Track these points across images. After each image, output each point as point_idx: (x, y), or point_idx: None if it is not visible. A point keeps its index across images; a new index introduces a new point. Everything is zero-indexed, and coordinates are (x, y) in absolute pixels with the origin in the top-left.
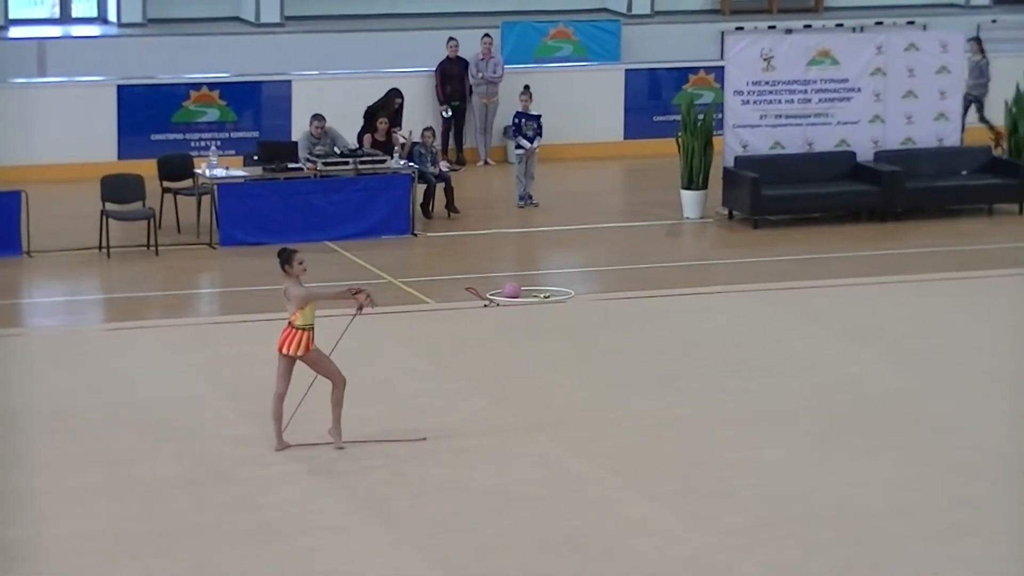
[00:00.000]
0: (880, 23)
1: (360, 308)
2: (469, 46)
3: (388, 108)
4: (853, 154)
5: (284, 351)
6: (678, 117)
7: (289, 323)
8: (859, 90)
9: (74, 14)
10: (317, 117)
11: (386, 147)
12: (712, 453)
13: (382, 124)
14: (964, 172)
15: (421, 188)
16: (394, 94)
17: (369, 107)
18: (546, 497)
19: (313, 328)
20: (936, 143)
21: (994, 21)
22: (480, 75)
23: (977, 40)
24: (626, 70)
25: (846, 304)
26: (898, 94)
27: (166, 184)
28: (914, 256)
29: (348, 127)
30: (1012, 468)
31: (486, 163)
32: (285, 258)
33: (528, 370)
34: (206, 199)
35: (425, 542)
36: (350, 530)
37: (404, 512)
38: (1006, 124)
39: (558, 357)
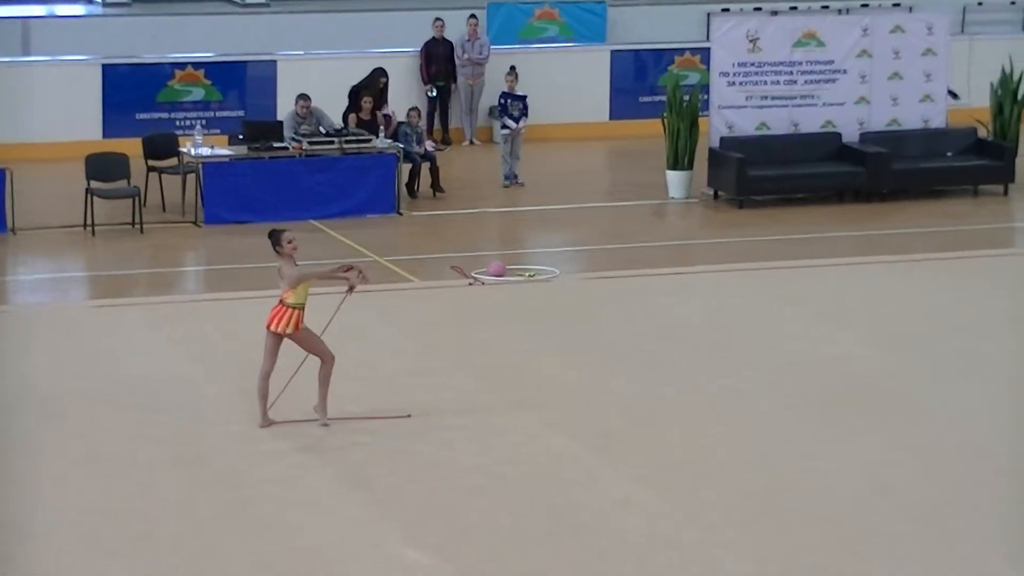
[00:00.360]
0: (866, 5)
1: (351, 289)
2: (455, 27)
3: (373, 87)
4: (839, 135)
5: (272, 328)
6: (664, 98)
7: (281, 301)
8: (845, 72)
9: None
10: (302, 97)
11: (371, 126)
12: (694, 432)
13: (366, 103)
14: (949, 153)
15: (406, 168)
16: (379, 73)
17: (354, 86)
18: (528, 475)
19: (304, 307)
20: (922, 124)
21: (980, 3)
22: (466, 56)
23: None
24: (612, 51)
25: (830, 285)
26: (884, 76)
27: (151, 163)
28: (899, 237)
29: (333, 107)
30: (994, 449)
31: (472, 143)
32: (275, 239)
33: (512, 349)
34: (191, 178)
35: (408, 520)
36: (334, 507)
37: (387, 490)
38: (991, 106)
39: (542, 336)
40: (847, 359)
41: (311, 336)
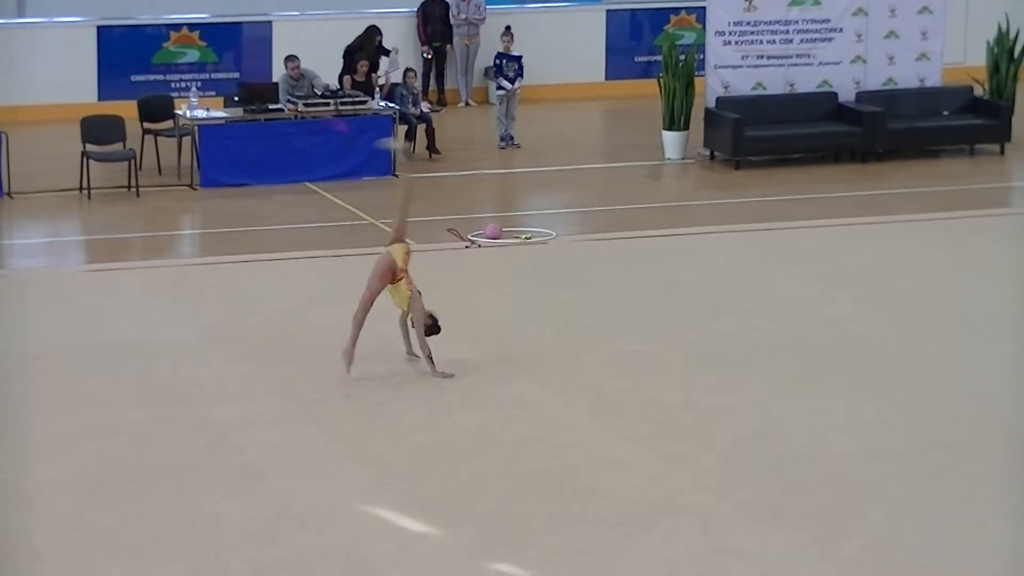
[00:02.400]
0: None
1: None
2: None
3: (368, 46)
4: (835, 95)
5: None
6: (659, 58)
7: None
8: (841, 30)
9: None
10: (291, 58)
11: (366, 88)
12: (690, 395)
13: (362, 67)
14: (945, 112)
15: (402, 129)
16: (373, 31)
17: (348, 46)
18: (525, 438)
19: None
20: (917, 83)
21: None
22: (462, 16)
23: None
24: (607, 11)
25: (826, 245)
26: (880, 34)
27: (147, 125)
28: (895, 197)
29: (329, 68)
30: (990, 410)
31: (467, 104)
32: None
33: (508, 311)
34: (187, 140)
35: (403, 484)
36: (328, 473)
37: (382, 454)
38: (987, 64)
39: (539, 298)
40: (844, 320)
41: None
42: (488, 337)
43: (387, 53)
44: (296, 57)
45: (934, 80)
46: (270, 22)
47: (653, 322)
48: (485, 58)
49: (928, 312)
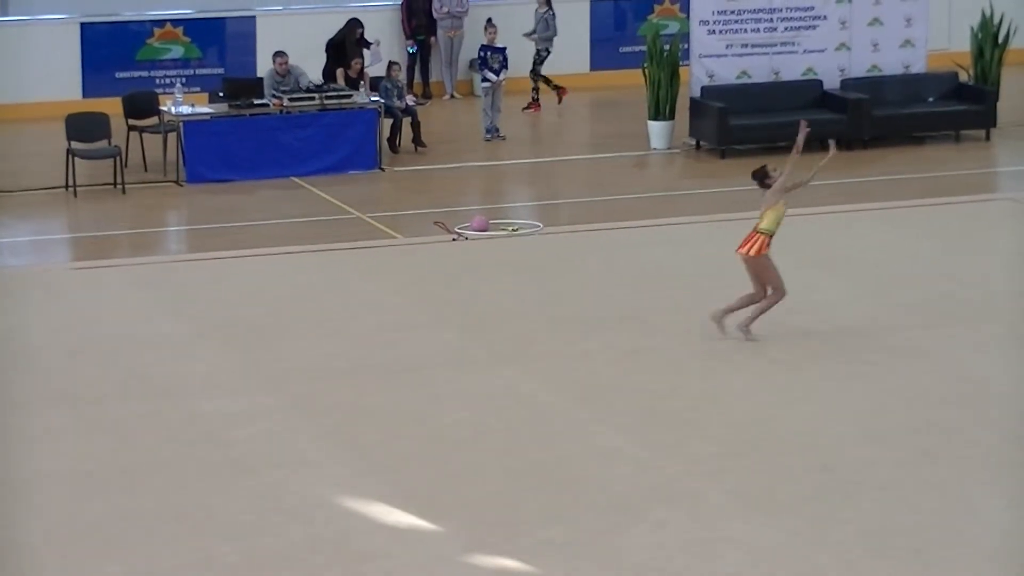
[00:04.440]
0: None
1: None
2: None
3: (350, 39)
4: (819, 82)
5: (741, 251)
6: (644, 48)
7: (755, 227)
8: (825, 18)
9: None
10: (280, 54)
11: (355, 83)
12: (680, 383)
13: (356, 64)
14: (930, 99)
15: (387, 123)
16: (354, 24)
17: (330, 40)
18: (514, 429)
19: (773, 235)
20: (902, 70)
21: None
22: (445, 9)
23: None
24: (591, 1)
25: (813, 232)
26: (864, 21)
27: (132, 122)
28: (881, 183)
29: (314, 63)
30: (981, 393)
31: (452, 97)
32: (761, 176)
33: (496, 303)
34: (172, 136)
35: (394, 475)
36: (319, 464)
37: (373, 445)
38: (972, 50)
39: (526, 290)
40: (834, 306)
41: (768, 266)
42: (477, 329)
43: (368, 45)
44: (284, 53)
45: (919, 66)
46: (254, 17)
47: (642, 311)
48: (469, 50)
49: (917, 297)
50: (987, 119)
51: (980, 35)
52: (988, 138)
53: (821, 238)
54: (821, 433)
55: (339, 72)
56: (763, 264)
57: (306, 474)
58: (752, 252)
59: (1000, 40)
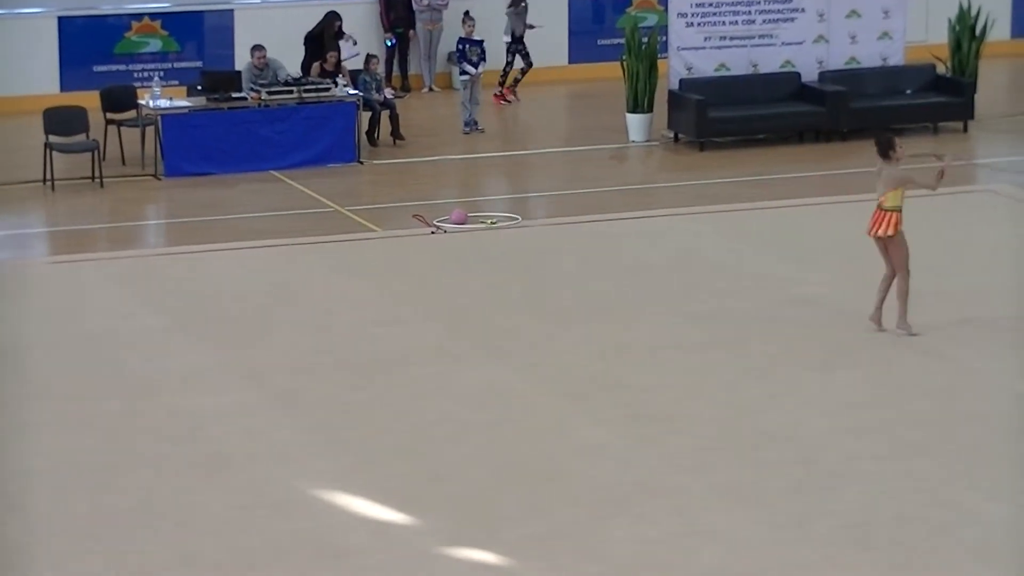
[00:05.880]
0: None
1: (942, 174)
2: None
3: (328, 32)
4: (798, 75)
5: (872, 234)
6: (622, 40)
7: (879, 205)
8: (803, 10)
9: None
10: (258, 48)
11: (334, 76)
12: (662, 376)
13: (331, 57)
14: (908, 91)
15: (366, 116)
16: (332, 17)
17: (309, 33)
18: (497, 423)
19: (901, 210)
20: (880, 62)
21: None
22: (424, 2)
23: None
24: None
25: (793, 225)
26: (842, 13)
27: (110, 116)
28: (860, 176)
29: (292, 55)
30: (964, 384)
31: (431, 90)
32: (887, 144)
33: (477, 296)
34: (150, 130)
35: (376, 470)
36: (300, 460)
37: (355, 440)
38: (949, 42)
39: (506, 283)
40: (815, 298)
41: (902, 244)
42: (458, 323)
43: (343, 36)
44: (263, 47)
45: (897, 59)
46: (232, 10)
47: (623, 304)
48: (448, 43)
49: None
50: (965, 111)
51: (958, 27)
52: (966, 130)
53: (801, 230)
54: (803, 426)
55: (314, 66)
56: (896, 242)
57: (287, 469)
58: (884, 231)
59: (977, 32)
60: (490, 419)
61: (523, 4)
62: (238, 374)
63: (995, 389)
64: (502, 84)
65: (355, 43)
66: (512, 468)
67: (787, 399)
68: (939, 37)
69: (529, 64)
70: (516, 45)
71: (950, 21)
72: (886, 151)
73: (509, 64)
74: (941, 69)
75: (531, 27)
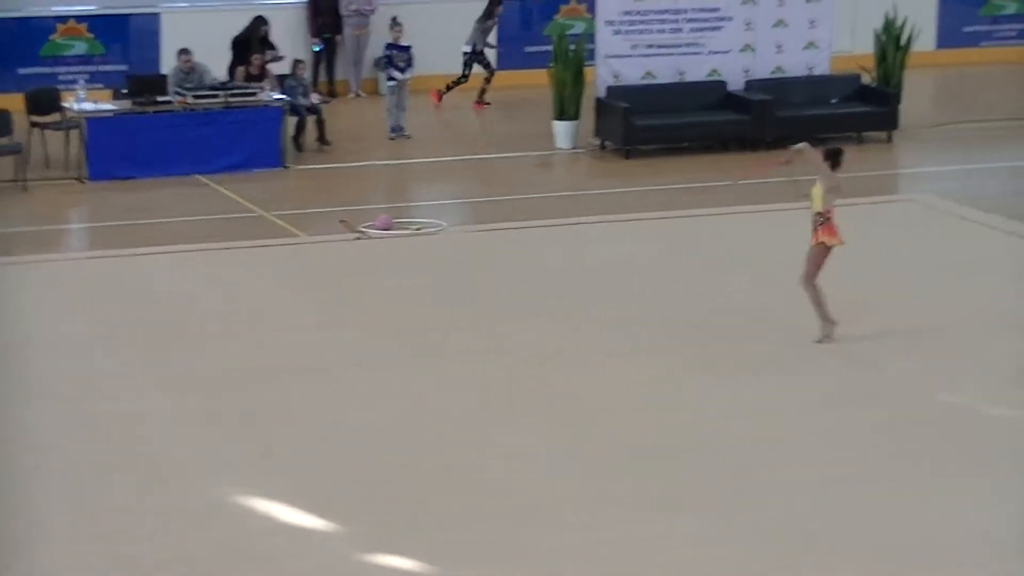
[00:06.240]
0: None
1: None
2: None
3: (255, 37)
4: (724, 83)
5: (840, 241)
6: (550, 48)
7: (829, 214)
8: (730, 19)
9: None
10: (184, 51)
11: (260, 80)
12: (587, 384)
13: (256, 60)
14: (833, 100)
15: (292, 121)
16: (259, 22)
17: (236, 37)
18: (420, 430)
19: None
20: (806, 72)
21: None
22: (353, 7)
23: None
24: None
25: (718, 233)
26: (768, 23)
27: (34, 118)
28: (783, 185)
29: (220, 60)
30: (886, 388)
31: (357, 95)
32: (840, 155)
33: (401, 302)
34: (75, 133)
35: (299, 476)
36: (223, 466)
37: (278, 447)
38: (875, 52)
39: (431, 289)
40: (741, 307)
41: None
42: (381, 328)
43: (272, 46)
44: (189, 51)
45: (822, 68)
46: (158, 14)
47: (547, 311)
48: (375, 49)
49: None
50: (889, 121)
51: (883, 38)
52: (890, 140)
53: (726, 239)
54: (727, 434)
55: (239, 70)
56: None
57: (210, 476)
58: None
59: (902, 43)
60: (413, 425)
61: (491, 22)
62: (161, 380)
63: (917, 398)
64: (448, 89)
65: (280, 59)
66: (434, 475)
67: (711, 406)
68: (865, 47)
69: (492, 71)
70: (475, 56)
71: (876, 32)
72: (839, 161)
73: (464, 76)
74: (866, 79)
75: (491, 46)
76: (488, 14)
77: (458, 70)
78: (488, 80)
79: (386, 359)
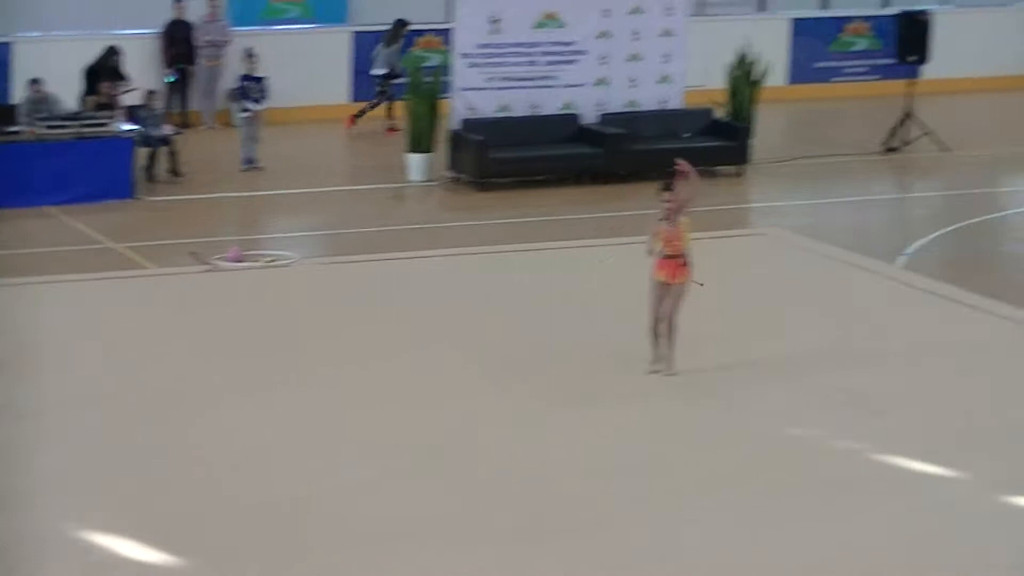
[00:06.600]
0: None
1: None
2: (195, 7)
3: (106, 67)
4: (576, 117)
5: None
6: (405, 80)
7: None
8: (585, 53)
9: None
10: (35, 81)
11: (110, 109)
12: (426, 417)
13: (105, 87)
14: (686, 134)
15: (144, 152)
16: (111, 52)
17: (89, 67)
18: (268, 462)
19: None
20: (659, 106)
21: None
22: (206, 38)
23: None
24: (353, 32)
25: (568, 266)
26: (623, 57)
27: None
28: (637, 218)
29: (71, 90)
30: (729, 428)
31: (210, 127)
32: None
33: (250, 334)
34: None
35: (141, 510)
36: (65, 499)
37: (120, 479)
38: (727, 87)
39: (280, 321)
40: (589, 340)
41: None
42: (231, 360)
43: (123, 76)
44: (40, 80)
45: (676, 102)
46: (9, 43)
47: (399, 343)
48: (229, 80)
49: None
50: (740, 155)
51: (736, 73)
52: (740, 174)
53: (576, 271)
54: (562, 466)
55: (89, 99)
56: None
57: (51, 509)
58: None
59: (754, 78)
60: (257, 459)
61: (396, 45)
62: (9, 412)
63: (763, 432)
64: (360, 114)
65: (133, 89)
66: (281, 507)
67: (549, 440)
68: (719, 82)
69: (391, 98)
70: (389, 81)
71: (728, 67)
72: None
73: (378, 101)
74: (718, 113)
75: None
76: (394, 36)
77: (315, 102)
78: (374, 106)
79: (235, 390)
